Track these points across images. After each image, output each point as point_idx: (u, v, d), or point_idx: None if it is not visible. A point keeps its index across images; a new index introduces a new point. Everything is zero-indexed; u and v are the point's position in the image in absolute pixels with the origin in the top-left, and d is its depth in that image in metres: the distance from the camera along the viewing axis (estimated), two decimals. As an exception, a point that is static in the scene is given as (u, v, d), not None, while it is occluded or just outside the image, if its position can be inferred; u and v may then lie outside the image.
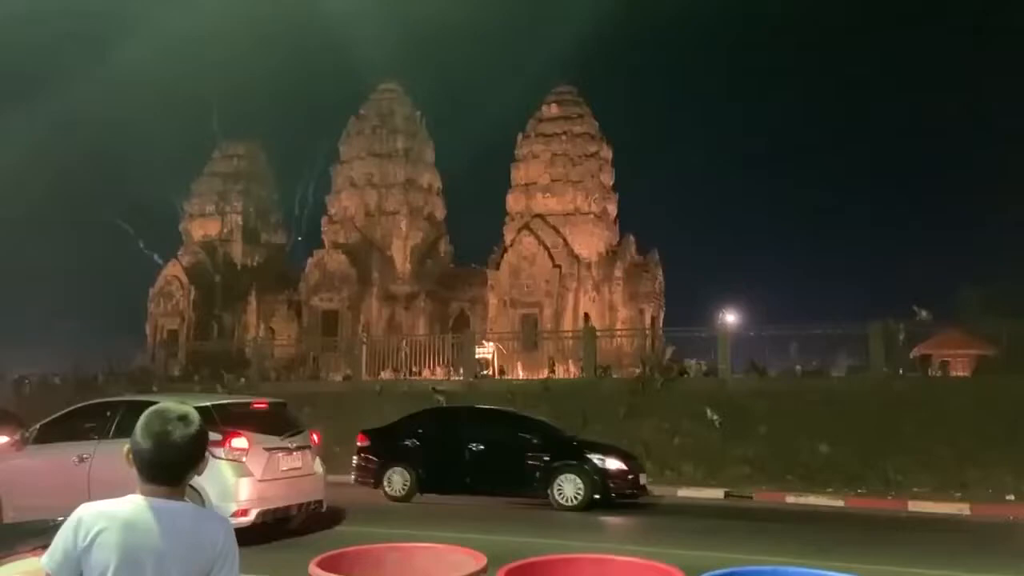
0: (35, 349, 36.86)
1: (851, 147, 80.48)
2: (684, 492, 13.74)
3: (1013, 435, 13.01)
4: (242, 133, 40.02)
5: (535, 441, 12.16)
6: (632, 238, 34.09)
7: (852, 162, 79.58)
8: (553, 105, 34.17)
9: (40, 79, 48.91)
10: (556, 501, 11.55)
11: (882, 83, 77.84)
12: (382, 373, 22.70)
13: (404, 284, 34.03)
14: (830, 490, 13.28)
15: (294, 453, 9.21)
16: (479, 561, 2.94)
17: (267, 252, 38.92)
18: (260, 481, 8.63)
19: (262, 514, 8.58)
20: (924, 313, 18.71)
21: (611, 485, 11.70)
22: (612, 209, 34.13)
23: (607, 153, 34.19)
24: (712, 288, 41.95)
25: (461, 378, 20.33)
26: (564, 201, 32.37)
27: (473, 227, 39.50)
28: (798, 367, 18.18)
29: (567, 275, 30.99)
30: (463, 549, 3.10)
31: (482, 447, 12.34)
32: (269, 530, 8.69)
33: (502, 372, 23.34)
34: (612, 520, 11.13)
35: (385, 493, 12.61)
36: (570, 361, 24.14)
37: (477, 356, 23.00)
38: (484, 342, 25.44)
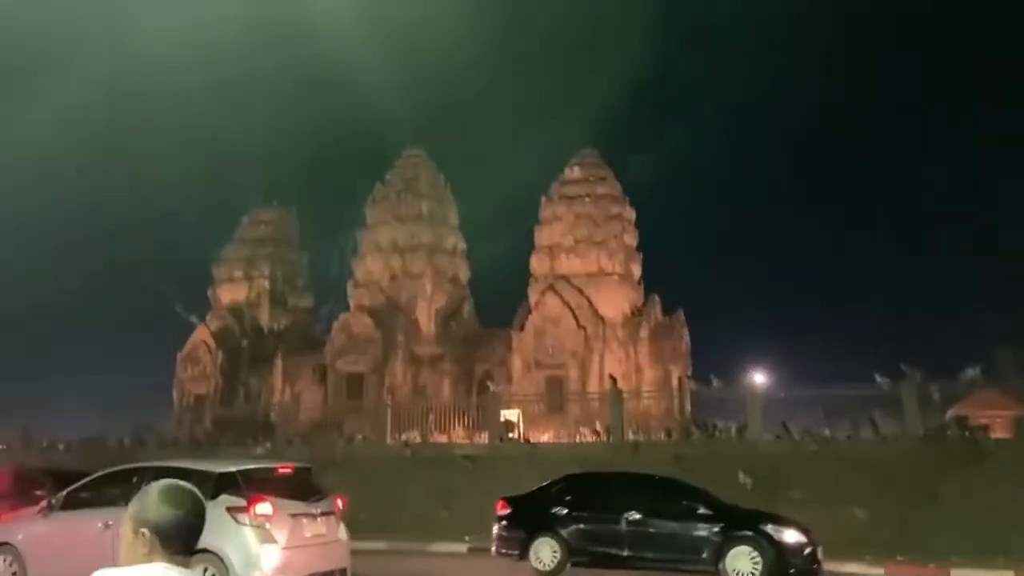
0: (64, 413, 37.20)
1: (881, 203, 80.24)
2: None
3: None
4: (271, 198, 40.96)
5: (701, 510, 11.18)
6: (657, 298, 34.00)
7: (883, 218, 79.26)
8: (576, 168, 34.63)
9: (75, 140, 50.52)
10: None
11: (920, 134, 78.06)
12: (407, 436, 22.54)
13: (429, 346, 34.08)
14: (868, 557, 12.83)
15: (319, 519, 9.09)
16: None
17: (293, 316, 39.33)
18: (284, 548, 8.50)
19: (286, 582, 8.43)
20: (974, 371, 18.01)
21: (790, 560, 10.64)
22: (636, 270, 34.17)
23: (630, 214, 34.41)
24: (739, 348, 41.41)
25: (486, 442, 20.12)
26: (588, 262, 32.49)
27: (497, 289, 39.64)
28: (828, 430, 17.78)
29: (592, 336, 30.87)
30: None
31: (640, 516, 11.30)
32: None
33: (527, 435, 23.07)
34: None
35: (533, 567, 11.71)
36: (597, 423, 23.84)
37: (502, 419, 22.79)
38: (509, 405, 25.24)
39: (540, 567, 11.61)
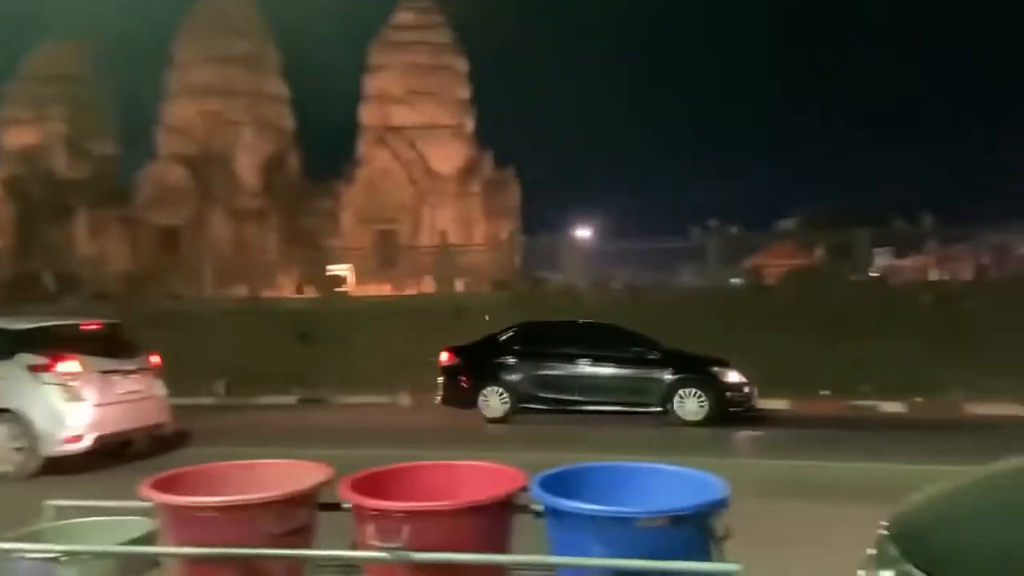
0: None
1: (713, 59, 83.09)
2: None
3: (821, 334, 14.34)
4: (64, 31, 36.10)
5: (651, 355, 11.55)
6: (490, 153, 34.00)
7: (713, 74, 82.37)
8: (408, 11, 32.97)
9: None
10: (677, 416, 11.08)
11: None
12: (230, 291, 21.81)
13: (252, 199, 32.47)
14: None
15: (132, 376, 8.76)
16: (326, 473, 2.89)
17: (95, 164, 35.81)
18: (95, 406, 8.18)
19: (99, 439, 8.18)
20: (790, 222, 19.90)
21: (731, 399, 11.33)
22: (469, 123, 33.78)
23: (463, 66, 33.56)
24: (568, 203, 42.76)
25: (317, 295, 19.88)
26: (420, 114, 31.69)
27: (325, 140, 37.90)
28: (642, 278, 19.12)
29: (424, 190, 30.64)
30: (311, 462, 3.03)
31: (590, 362, 11.58)
32: (109, 455, 8.32)
33: (358, 289, 23.04)
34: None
35: (482, 415, 11.72)
36: (428, 277, 24.14)
37: (333, 273, 22.53)
38: (340, 260, 24.94)
39: (490, 415, 11.76)
